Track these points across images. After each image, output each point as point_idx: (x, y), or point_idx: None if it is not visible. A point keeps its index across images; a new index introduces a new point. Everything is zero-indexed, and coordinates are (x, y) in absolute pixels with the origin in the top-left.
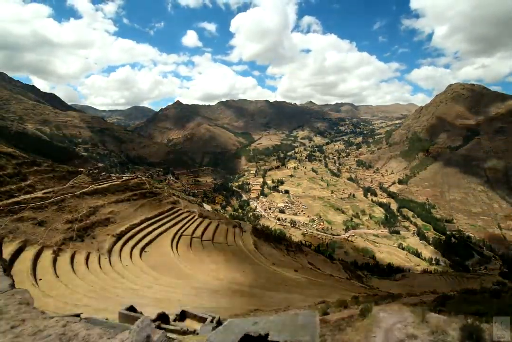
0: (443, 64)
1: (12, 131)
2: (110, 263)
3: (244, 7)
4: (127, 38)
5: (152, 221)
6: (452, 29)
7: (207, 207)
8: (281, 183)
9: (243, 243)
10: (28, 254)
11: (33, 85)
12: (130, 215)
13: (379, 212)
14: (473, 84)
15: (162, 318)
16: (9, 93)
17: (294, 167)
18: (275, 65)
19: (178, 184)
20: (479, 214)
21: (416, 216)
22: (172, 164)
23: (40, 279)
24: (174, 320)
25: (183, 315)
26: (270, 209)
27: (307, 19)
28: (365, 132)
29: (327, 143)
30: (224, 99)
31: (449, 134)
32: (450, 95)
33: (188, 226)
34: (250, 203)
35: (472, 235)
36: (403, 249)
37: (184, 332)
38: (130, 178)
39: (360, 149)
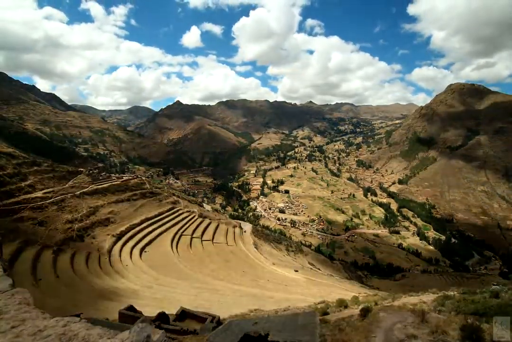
0: (443, 65)
1: (12, 131)
2: (110, 263)
3: (248, 9)
4: (134, 41)
5: (152, 221)
6: (451, 32)
7: (207, 207)
8: (281, 183)
9: (243, 243)
10: (28, 254)
11: (33, 85)
12: (130, 215)
13: (379, 212)
14: (473, 84)
15: (162, 318)
16: (9, 93)
17: (294, 167)
18: (278, 65)
19: (178, 183)
20: (479, 214)
21: (416, 216)
22: (172, 164)
23: (40, 279)
24: (174, 320)
25: (183, 315)
26: (270, 209)
27: (310, 21)
28: (365, 132)
29: (327, 143)
30: (225, 99)
31: (449, 134)
32: (450, 95)
33: (188, 226)
34: (250, 203)
35: (472, 235)
36: (403, 249)
37: (184, 332)
38: (130, 178)
39: (360, 149)
